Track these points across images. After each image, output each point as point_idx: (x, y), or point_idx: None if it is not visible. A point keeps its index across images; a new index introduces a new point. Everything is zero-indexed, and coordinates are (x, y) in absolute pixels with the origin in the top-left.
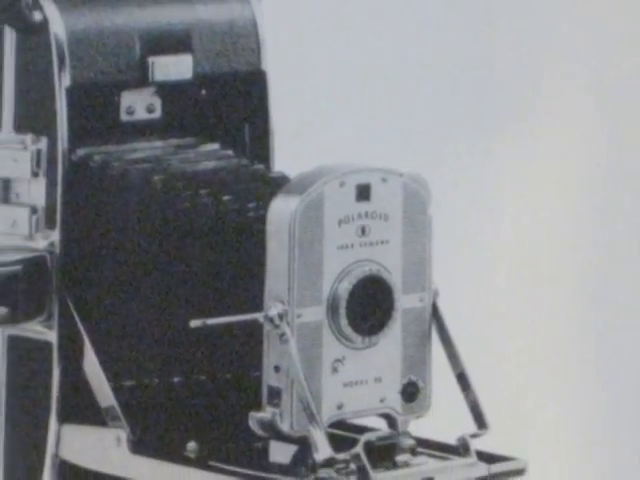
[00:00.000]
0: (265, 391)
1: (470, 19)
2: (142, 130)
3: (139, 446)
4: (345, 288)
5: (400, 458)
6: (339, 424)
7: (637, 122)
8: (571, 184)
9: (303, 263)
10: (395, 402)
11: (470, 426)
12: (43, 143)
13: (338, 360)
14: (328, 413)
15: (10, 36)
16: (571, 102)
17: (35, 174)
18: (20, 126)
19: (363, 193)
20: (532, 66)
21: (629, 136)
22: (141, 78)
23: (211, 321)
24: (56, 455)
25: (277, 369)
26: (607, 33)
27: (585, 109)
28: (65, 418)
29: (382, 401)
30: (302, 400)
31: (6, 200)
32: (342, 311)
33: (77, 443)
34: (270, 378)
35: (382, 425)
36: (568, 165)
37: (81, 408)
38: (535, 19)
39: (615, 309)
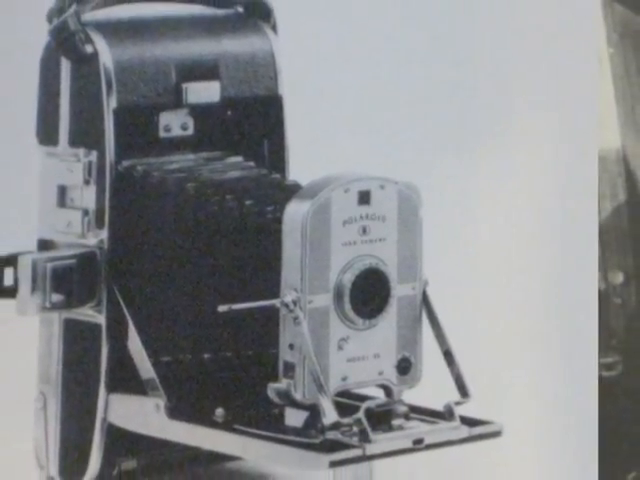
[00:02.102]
0: (281, 365)
1: (455, 52)
2: (177, 145)
3: (175, 412)
4: (349, 278)
5: (395, 422)
6: (344, 393)
7: (593, 139)
8: (539, 191)
9: (313, 257)
10: (391, 375)
11: (454, 395)
12: (93, 156)
13: (343, 339)
14: (334, 384)
15: (65, 65)
16: (539, 123)
17: (87, 182)
18: (74, 141)
19: (364, 198)
20: (507, 93)
21: (586, 150)
22: (176, 101)
23: (236, 306)
24: (104, 419)
25: (291, 347)
26: (568, 67)
27: (550, 129)
28: (112, 388)
29: (380, 374)
30: (312, 373)
31: (62, 204)
32: (346, 298)
33: (122, 409)
34: (285, 354)
35: (380, 394)
36: (536, 175)
37: (126, 380)
38: (511, 54)
39: (575, 294)
